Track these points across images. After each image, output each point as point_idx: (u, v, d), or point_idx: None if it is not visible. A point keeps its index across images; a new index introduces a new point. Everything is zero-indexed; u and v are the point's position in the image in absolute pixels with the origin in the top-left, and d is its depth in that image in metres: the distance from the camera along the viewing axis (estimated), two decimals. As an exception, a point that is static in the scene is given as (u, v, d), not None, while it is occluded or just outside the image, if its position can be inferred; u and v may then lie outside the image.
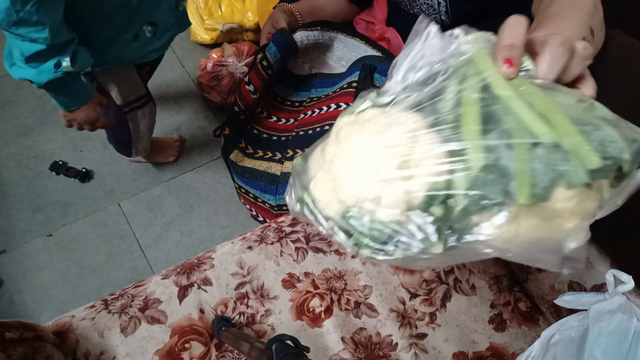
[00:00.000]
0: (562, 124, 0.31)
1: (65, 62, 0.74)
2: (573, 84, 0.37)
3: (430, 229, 0.33)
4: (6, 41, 0.73)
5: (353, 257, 0.76)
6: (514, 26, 0.35)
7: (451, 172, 0.31)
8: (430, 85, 0.36)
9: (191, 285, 0.73)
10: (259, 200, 1.11)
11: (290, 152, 1.06)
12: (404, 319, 0.72)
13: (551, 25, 0.48)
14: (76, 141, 1.40)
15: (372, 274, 0.75)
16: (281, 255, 0.76)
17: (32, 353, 0.59)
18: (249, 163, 1.11)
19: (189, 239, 1.27)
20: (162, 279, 0.74)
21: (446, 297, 0.74)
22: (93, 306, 0.71)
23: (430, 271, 0.76)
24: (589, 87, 0.36)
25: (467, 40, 0.37)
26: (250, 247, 0.77)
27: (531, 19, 0.39)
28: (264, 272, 0.75)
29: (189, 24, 0.99)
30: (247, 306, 0.72)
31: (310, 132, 1.03)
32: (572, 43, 0.35)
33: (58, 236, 1.26)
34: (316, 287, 0.74)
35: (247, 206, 1.23)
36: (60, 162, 1.35)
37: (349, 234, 0.36)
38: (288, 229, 0.79)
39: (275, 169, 1.07)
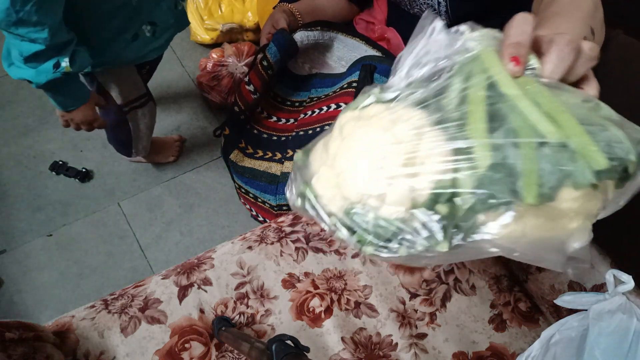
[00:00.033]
0: (569, 123, 0.31)
1: (64, 63, 0.74)
2: (576, 84, 0.36)
3: (436, 227, 0.32)
4: (4, 41, 0.73)
5: (353, 257, 0.76)
6: (521, 23, 0.35)
7: (458, 170, 0.31)
8: (435, 81, 0.36)
9: (191, 285, 0.73)
10: (259, 200, 1.11)
11: (290, 152, 1.06)
12: (404, 319, 0.72)
13: (551, 24, 0.47)
14: (76, 141, 1.40)
15: (372, 274, 0.75)
16: (281, 255, 0.76)
17: (32, 353, 0.59)
18: (249, 163, 1.11)
19: (189, 239, 1.27)
20: (162, 279, 0.74)
21: (446, 297, 0.74)
22: (93, 306, 0.71)
23: (430, 271, 0.76)
24: (592, 88, 0.36)
25: (473, 37, 0.36)
26: (250, 247, 0.77)
27: None
28: (264, 272, 0.74)
29: (188, 23, 0.99)
30: (247, 306, 0.72)
31: (310, 132, 1.03)
32: (578, 43, 0.35)
33: (58, 236, 1.26)
34: (316, 287, 0.74)
35: (247, 206, 1.23)
36: (60, 162, 1.35)
37: (352, 231, 0.36)
38: (288, 229, 0.79)
39: (275, 169, 1.07)
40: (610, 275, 0.53)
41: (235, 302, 0.72)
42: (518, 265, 0.77)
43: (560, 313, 0.69)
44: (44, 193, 1.32)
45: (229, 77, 1.41)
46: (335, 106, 1.02)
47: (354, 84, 0.99)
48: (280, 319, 0.71)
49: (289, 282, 0.74)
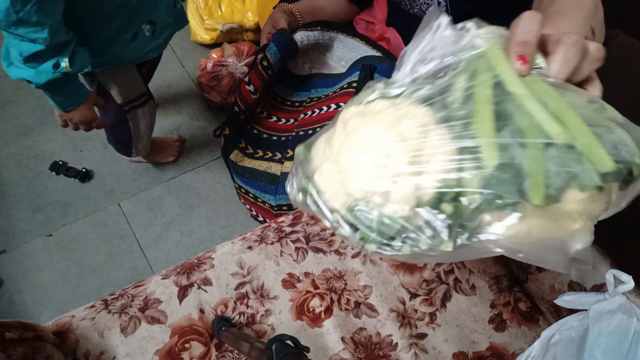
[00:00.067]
0: (576, 124, 0.31)
1: (64, 63, 0.74)
2: (580, 84, 0.36)
3: (440, 226, 0.32)
4: (3, 41, 0.73)
5: (353, 257, 0.76)
6: (529, 22, 0.35)
7: (464, 169, 0.31)
8: (441, 78, 0.35)
9: (191, 285, 0.73)
10: (259, 200, 1.11)
11: (290, 152, 1.06)
12: (404, 319, 0.72)
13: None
14: (76, 141, 1.40)
15: (372, 274, 0.75)
16: (281, 255, 0.76)
17: (32, 353, 0.59)
18: (249, 163, 1.11)
19: (189, 239, 1.27)
20: (162, 279, 0.74)
21: (446, 297, 0.74)
22: (93, 306, 0.71)
23: (430, 271, 0.76)
24: (596, 88, 0.36)
25: (479, 34, 0.36)
26: (250, 247, 0.77)
27: None
28: (264, 272, 0.74)
29: (187, 22, 0.99)
30: (247, 306, 0.72)
31: (310, 132, 1.04)
32: (585, 43, 0.35)
33: (58, 236, 1.26)
34: (316, 287, 0.74)
35: (247, 206, 1.23)
36: (60, 162, 1.35)
37: (354, 228, 0.35)
38: (288, 229, 0.79)
39: (275, 169, 1.07)
40: (610, 275, 0.53)
41: (235, 302, 0.72)
42: (518, 265, 0.77)
43: (560, 313, 0.69)
44: (44, 193, 1.32)
45: (229, 77, 1.41)
46: (335, 106, 1.02)
47: (354, 84, 0.99)
48: (280, 319, 0.71)
49: (289, 282, 0.74)
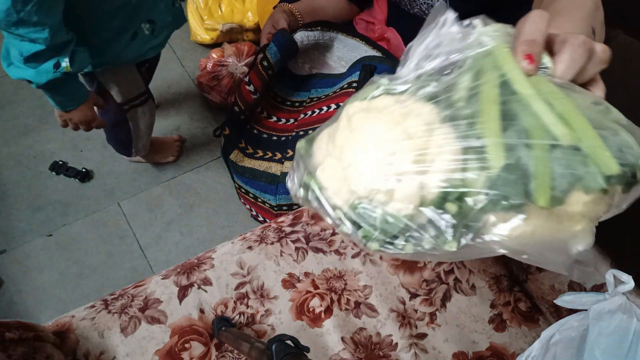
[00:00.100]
0: (582, 126, 0.31)
1: (65, 63, 0.74)
2: (584, 85, 0.36)
3: (445, 226, 0.32)
4: (3, 41, 0.73)
5: (353, 257, 0.76)
6: (537, 21, 0.35)
7: (470, 169, 0.31)
8: (446, 75, 0.35)
9: (191, 285, 0.73)
10: (259, 200, 1.11)
11: (290, 152, 1.06)
12: (404, 319, 0.72)
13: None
14: (76, 141, 1.40)
15: (372, 274, 0.75)
16: (281, 255, 0.76)
17: (32, 353, 0.59)
18: (249, 163, 1.11)
19: (189, 239, 1.27)
20: (162, 279, 0.74)
21: (446, 297, 0.74)
22: (93, 306, 0.71)
23: (430, 271, 0.76)
24: (599, 90, 0.36)
25: (486, 32, 0.35)
26: (250, 247, 0.77)
27: None
28: (264, 272, 0.74)
29: (185, 20, 0.99)
30: (247, 306, 0.72)
31: (310, 132, 1.03)
32: (592, 44, 0.35)
33: (58, 236, 1.26)
34: (316, 287, 0.74)
35: (247, 206, 1.23)
36: (60, 162, 1.35)
37: (357, 226, 0.35)
38: (288, 229, 0.79)
39: (275, 169, 1.07)
40: (610, 275, 0.53)
41: (235, 302, 0.72)
42: (518, 265, 0.77)
43: (560, 313, 0.69)
44: (44, 193, 1.32)
45: (229, 77, 1.41)
46: (335, 106, 1.02)
47: (354, 84, 0.99)
48: (280, 319, 0.71)
49: (289, 282, 0.74)
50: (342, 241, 0.77)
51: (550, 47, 0.36)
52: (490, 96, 0.32)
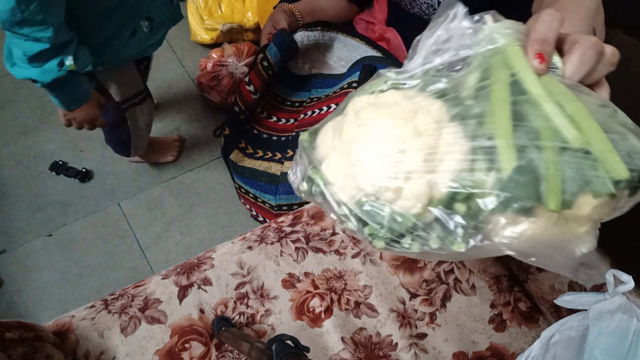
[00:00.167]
0: (592, 129, 0.30)
1: (69, 61, 0.74)
2: (589, 86, 0.36)
3: (453, 226, 0.32)
4: (5, 42, 0.73)
5: (353, 257, 0.76)
6: (550, 19, 0.34)
7: (481, 170, 0.30)
8: (456, 72, 0.34)
9: (191, 285, 0.73)
10: (259, 200, 1.11)
11: (290, 152, 1.06)
12: (404, 319, 0.72)
13: None
14: (76, 141, 1.40)
15: (372, 274, 0.75)
16: (281, 255, 0.76)
17: (32, 353, 0.59)
18: (249, 163, 1.11)
19: (189, 239, 1.27)
20: (162, 279, 0.74)
21: (446, 297, 0.74)
22: (93, 306, 0.71)
23: (430, 271, 0.76)
24: (605, 91, 0.36)
25: (497, 29, 0.35)
26: (250, 247, 0.77)
27: None
28: (264, 272, 0.74)
29: (182, 16, 0.99)
30: (247, 306, 0.72)
31: (310, 132, 1.03)
32: (602, 47, 0.34)
33: (58, 236, 1.26)
34: (316, 287, 0.74)
35: (247, 206, 1.23)
36: (60, 162, 1.35)
37: (363, 223, 0.35)
38: (288, 229, 0.79)
39: (275, 169, 1.07)
40: (610, 275, 0.53)
41: (235, 302, 0.72)
42: (518, 265, 0.77)
43: (560, 313, 0.69)
44: (44, 193, 1.32)
45: (229, 77, 1.41)
46: (335, 106, 1.02)
47: (354, 85, 0.99)
48: (280, 319, 0.71)
49: (289, 282, 0.74)
50: (342, 241, 0.77)
51: (560, 46, 0.35)
52: (501, 96, 0.32)
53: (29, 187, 1.32)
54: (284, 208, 1.06)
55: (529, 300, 0.75)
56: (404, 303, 0.73)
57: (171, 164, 1.38)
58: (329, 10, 1.10)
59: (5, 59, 0.76)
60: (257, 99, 1.10)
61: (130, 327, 0.69)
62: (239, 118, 1.13)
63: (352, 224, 0.35)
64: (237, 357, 0.67)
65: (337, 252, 0.77)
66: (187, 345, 0.68)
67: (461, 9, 0.36)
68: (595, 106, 0.32)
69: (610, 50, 0.35)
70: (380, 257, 0.76)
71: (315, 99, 1.09)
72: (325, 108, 1.04)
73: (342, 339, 0.69)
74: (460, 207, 0.31)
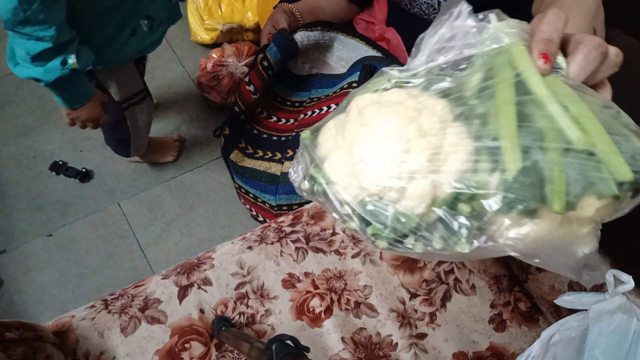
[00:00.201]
0: (596, 131, 0.30)
1: (72, 59, 0.74)
2: (592, 87, 0.36)
3: (457, 227, 0.31)
4: (8, 41, 0.73)
5: (353, 257, 0.76)
6: (555, 19, 0.34)
7: (486, 170, 0.30)
8: (460, 71, 0.34)
9: (191, 285, 0.73)
10: (259, 200, 1.11)
11: (290, 152, 1.06)
12: (404, 319, 0.72)
13: None
14: (76, 141, 1.40)
15: (372, 274, 0.75)
16: (281, 255, 0.76)
17: (32, 353, 0.59)
18: (249, 163, 1.11)
19: (189, 239, 1.27)
20: (162, 279, 0.74)
21: (446, 297, 0.74)
22: (93, 306, 0.71)
23: (430, 271, 0.76)
24: (607, 92, 0.36)
25: (502, 27, 0.35)
26: (250, 247, 0.77)
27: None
28: (264, 272, 0.74)
29: (181, 15, 1.00)
30: (247, 306, 0.72)
31: (310, 132, 1.03)
32: (607, 48, 0.34)
33: (58, 236, 1.26)
34: (316, 287, 0.74)
35: (247, 206, 1.23)
36: (60, 162, 1.35)
37: (365, 223, 0.34)
38: (288, 229, 0.79)
39: (275, 169, 1.07)
40: (610, 275, 0.53)
41: (235, 302, 0.72)
42: (518, 265, 0.77)
43: (560, 313, 0.69)
44: (44, 193, 1.32)
45: (229, 77, 1.41)
46: (335, 106, 1.02)
47: (354, 85, 0.99)
48: (280, 319, 0.71)
49: (289, 282, 0.74)
50: (342, 241, 0.77)
51: (564, 46, 0.35)
52: (506, 96, 0.32)
53: (29, 187, 1.32)
54: (284, 208, 1.06)
55: (529, 300, 0.75)
56: (404, 303, 0.73)
57: (171, 164, 1.38)
58: (329, 10, 1.10)
59: (8, 58, 0.76)
60: (257, 99, 1.10)
61: (130, 327, 0.69)
62: (239, 118, 1.13)
63: (355, 224, 0.35)
64: (237, 357, 0.67)
65: (337, 252, 0.77)
66: (187, 345, 0.68)
67: (465, 7, 0.35)
68: (599, 107, 0.32)
69: (614, 52, 0.35)
70: (380, 257, 0.76)
71: (315, 99, 1.09)
72: (325, 108, 1.04)
73: (342, 339, 0.69)
74: (464, 207, 0.31)
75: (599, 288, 0.65)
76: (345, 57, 1.08)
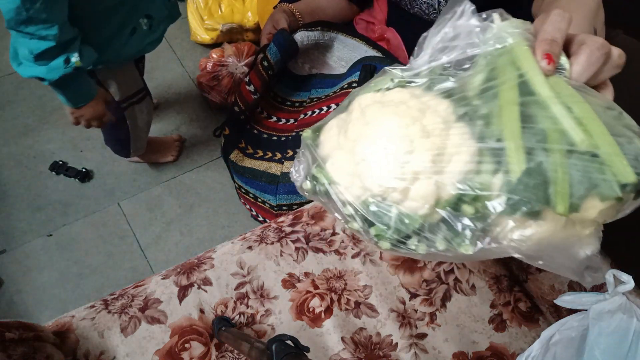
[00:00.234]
0: (599, 132, 0.30)
1: (75, 58, 0.75)
2: (595, 87, 0.36)
3: (461, 228, 0.31)
4: (10, 41, 0.74)
5: (353, 257, 0.76)
6: (558, 20, 0.34)
7: (490, 172, 0.30)
8: (463, 70, 0.34)
9: (191, 285, 0.73)
10: (259, 200, 1.11)
11: (290, 152, 1.06)
12: (404, 319, 0.72)
13: None
14: (76, 141, 1.40)
15: (372, 274, 0.75)
16: (281, 255, 0.76)
17: (32, 353, 0.59)
18: (249, 163, 1.11)
19: (189, 239, 1.27)
20: (162, 279, 0.74)
21: (446, 297, 0.74)
22: (93, 306, 0.71)
23: (430, 271, 0.76)
24: (609, 93, 0.36)
25: (505, 27, 0.35)
26: (250, 247, 0.77)
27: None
28: (264, 272, 0.74)
29: (180, 14, 1.00)
30: (247, 306, 0.72)
31: (310, 132, 1.03)
32: (609, 48, 0.34)
33: (58, 236, 1.26)
34: (316, 287, 0.74)
35: (247, 206, 1.23)
36: (60, 162, 1.35)
37: (368, 223, 0.34)
38: (288, 229, 0.79)
39: (275, 169, 1.07)
40: (610, 275, 0.53)
41: (235, 302, 0.72)
42: (518, 265, 0.77)
43: (560, 313, 0.69)
44: (44, 193, 1.32)
45: (229, 77, 1.41)
46: (335, 106, 1.02)
47: (354, 85, 0.99)
48: (280, 319, 0.71)
49: (289, 282, 0.74)
50: (342, 241, 0.77)
51: (566, 47, 0.35)
52: (509, 96, 0.32)
53: (29, 187, 1.32)
54: (284, 208, 1.06)
55: (529, 300, 0.75)
56: (404, 303, 0.73)
57: (171, 164, 1.38)
58: (329, 10, 1.10)
59: (11, 58, 0.76)
60: (257, 99, 1.10)
61: (130, 327, 0.69)
62: (239, 118, 1.13)
63: (358, 224, 0.34)
64: (237, 357, 0.67)
65: (337, 252, 0.77)
66: (187, 345, 0.68)
67: (469, 6, 0.35)
68: (602, 108, 0.32)
69: (617, 53, 0.35)
70: (381, 257, 0.76)
71: (315, 99, 1.09)
72: (325, 108, 1.04)
73: (342, 339, 0.69)
74: (467, 209, 0.31)
75: (599, 288, 0.65)
76: (345, 57, 1.08)
